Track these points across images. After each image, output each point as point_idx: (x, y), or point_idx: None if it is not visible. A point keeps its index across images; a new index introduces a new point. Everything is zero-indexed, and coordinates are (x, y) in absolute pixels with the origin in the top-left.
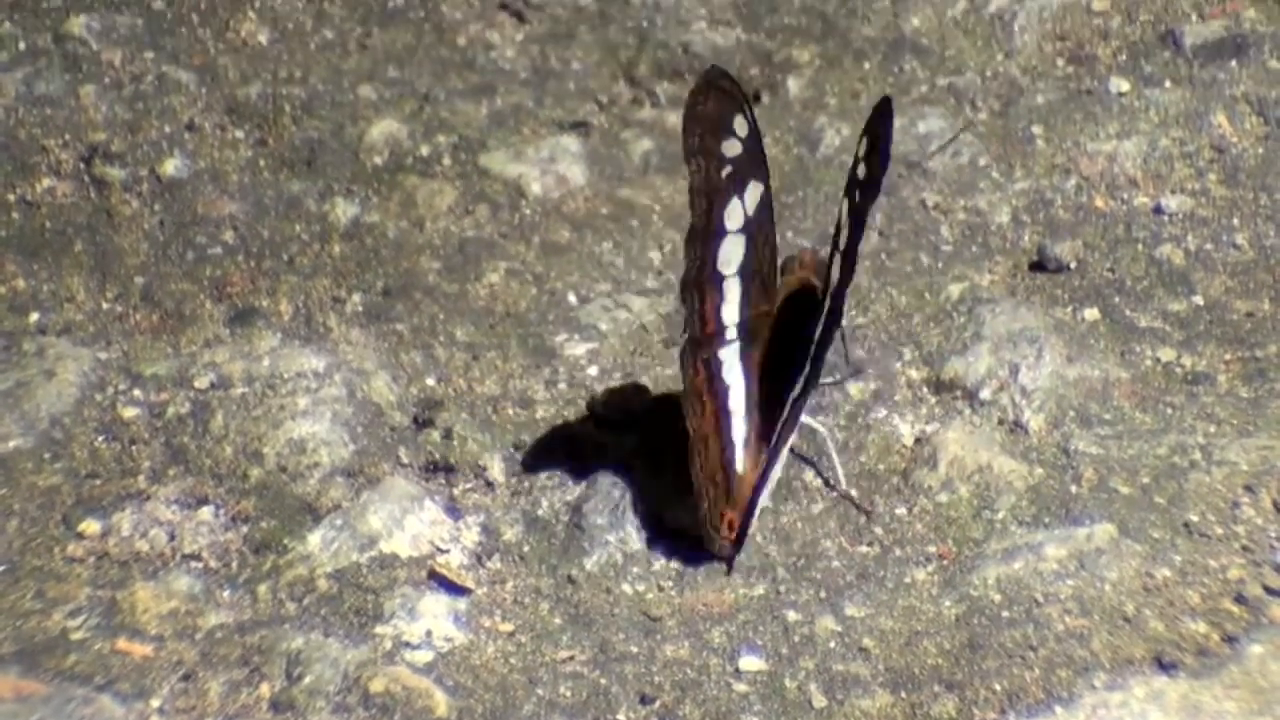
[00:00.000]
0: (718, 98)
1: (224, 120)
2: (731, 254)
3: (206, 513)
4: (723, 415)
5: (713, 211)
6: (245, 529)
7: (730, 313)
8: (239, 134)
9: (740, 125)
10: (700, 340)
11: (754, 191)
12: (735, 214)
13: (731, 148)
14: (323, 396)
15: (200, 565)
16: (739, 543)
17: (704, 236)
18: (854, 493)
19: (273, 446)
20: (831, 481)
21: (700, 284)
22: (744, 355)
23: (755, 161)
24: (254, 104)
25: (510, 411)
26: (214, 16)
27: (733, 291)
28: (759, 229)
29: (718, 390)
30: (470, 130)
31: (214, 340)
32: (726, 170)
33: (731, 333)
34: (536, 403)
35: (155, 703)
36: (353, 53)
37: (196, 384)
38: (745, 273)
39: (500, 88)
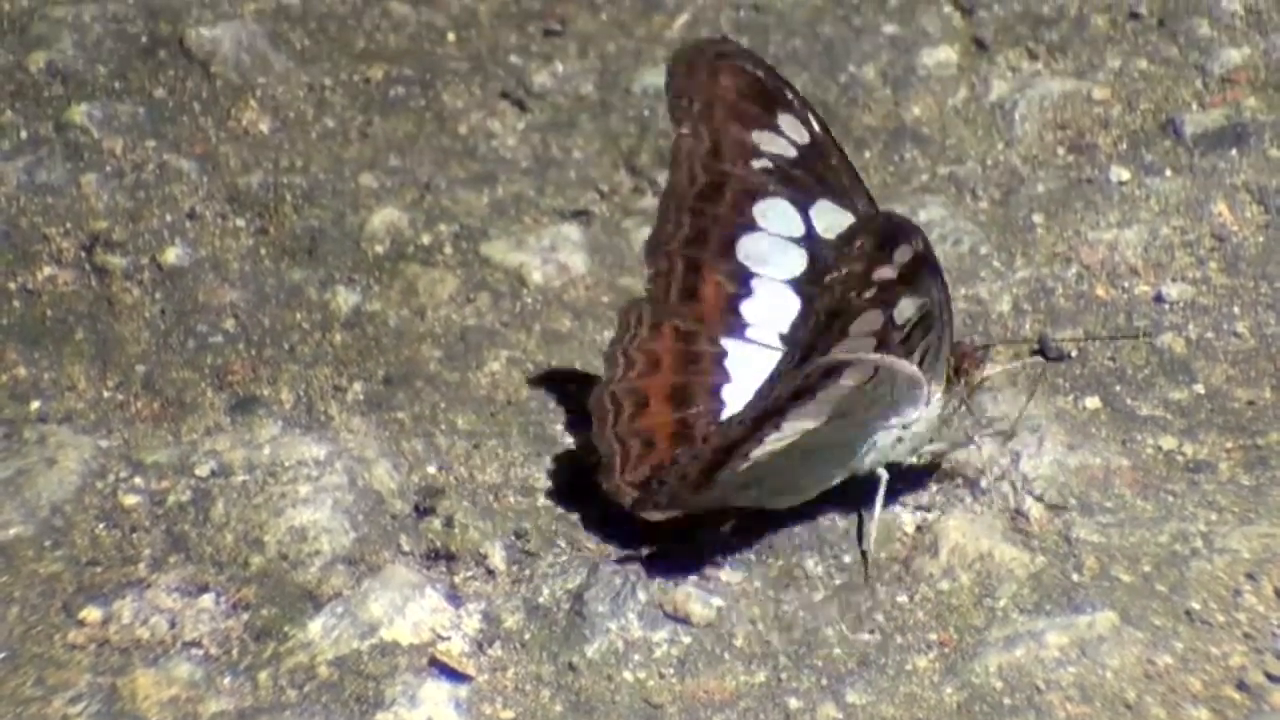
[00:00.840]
0: (737, 79)
1: (225, 209)
2: (771, 257)
3: (207, 600)
4: (702, 396)
5: (726, 195)
6: (246, 616)
7: (764, 314)
8: (240, 222)
9: (794, 130)
10: (675, 311)
11: (828, 214)
12: (784, 219)
13: (773, 144)
14: (324, 484)
15: (201, 652)
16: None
17: (696, 209)
18: (870, 555)
19: (274, 534)
20: (861, 533)
21: (694, 259)
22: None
23: (831, 185)
24: (255, 193)
25: (512, 499)
26: (215, 105)
27: (777, 298)
28: None
29: (700, 369)
30: (471, 219)
31: (215, 428)
32: (762, 164)
33: (764, 335)
34: (538, 490)
35: None
36: (354, 141)
37: (197, 472)
38: (806, 291)
39: (501, 176)
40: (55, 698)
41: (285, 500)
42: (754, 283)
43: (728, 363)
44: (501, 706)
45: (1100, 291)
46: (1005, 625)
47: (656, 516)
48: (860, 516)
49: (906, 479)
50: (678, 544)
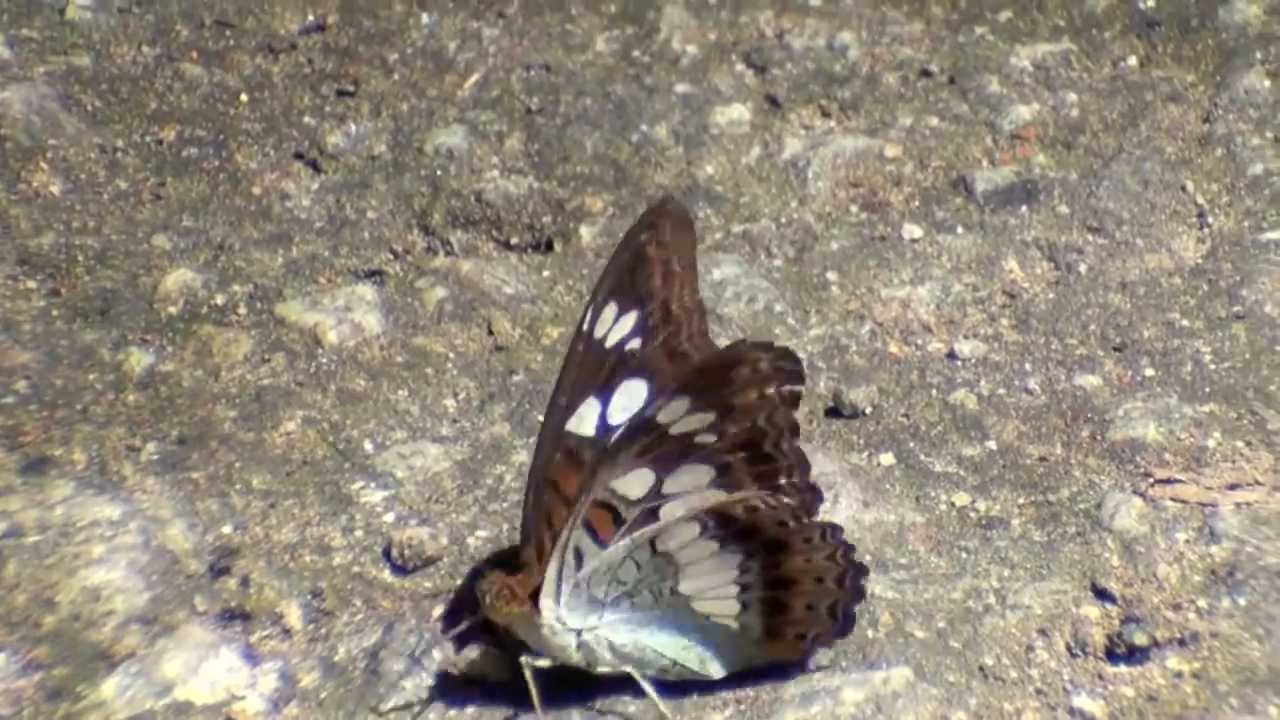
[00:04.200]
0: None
1: (16, 270)
2: None
3: None
4: None
5: None
6: (39, 676)
7: None
8: (31, 284)
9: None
10: None
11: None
12: None
13: None
14: (118, 544)
15: None
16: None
17: None
18: None
19: (66, 594)
20: None
21: None
22: None
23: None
24: (47, 254)
25: (308, 559)
26: (5, 168)
27: None
28: None
29: None
30: (266, 279)
31: (6, 489)
32: None
33: None
34: (334, 549)
35: None
36: (146, 203)
37: None
38: None
39: (296, 237)
40: None
41: (79, 560)
42: None
43: None
44: None
45: (894, 349)
46: (802, 682)
47: None
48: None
49: None
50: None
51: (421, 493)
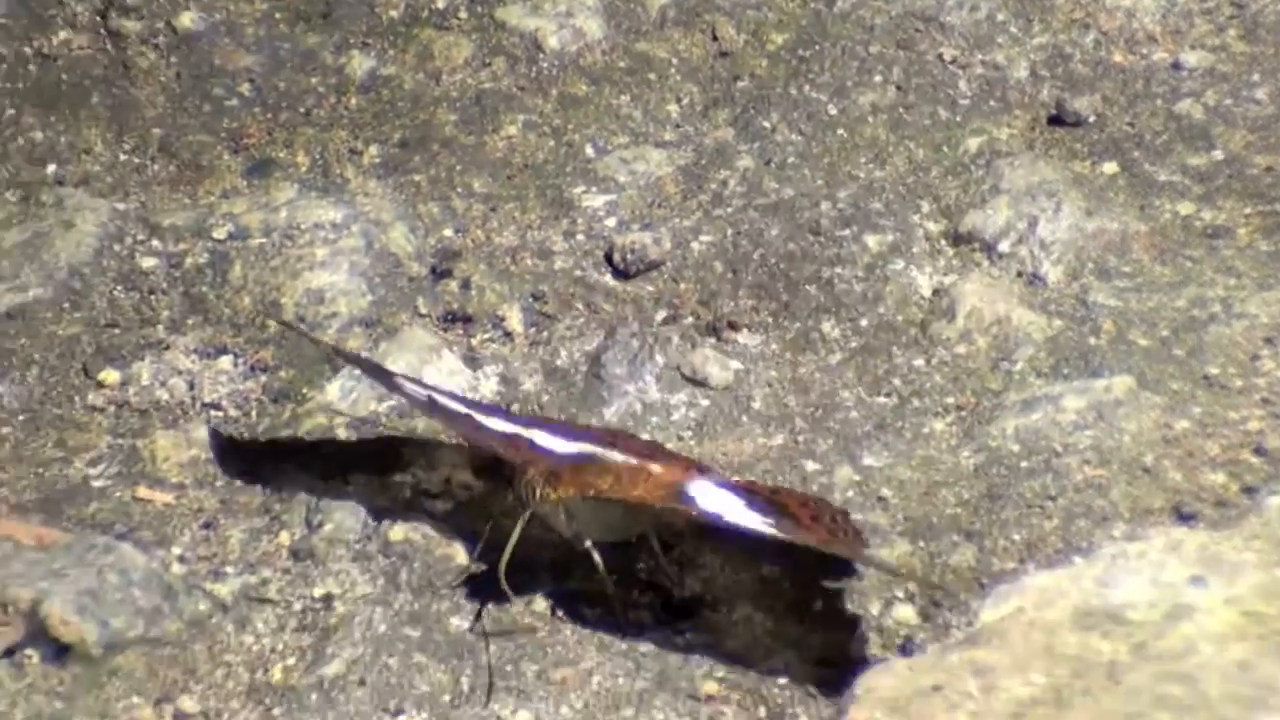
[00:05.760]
0: None
1: None
2: None
3: (226, 362)
4: None
5: None
6: (265, 378)
7: None
8: None
9: None
10: None
11: None
12: None
13: None
14: (341, 247)
15: (220, 414)
16: None
17: None
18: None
19: (291, 296)
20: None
21: None
22: None
23: None
24: None
25: (529, 262)
26: None
27: None
28: None
29: None
30: None
31: (231, 191)
32: None
33: None
34: (555, 254)
35: (176, 550)
36: None
37: (214, 234)
38: None
39: None
40: (76, 459)
41: (302, 263)
42: None
43: None
44: None
45: (1118, 58)
46: (1022, 389)
47: None
48: None
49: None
50: (696, 307)
51: (644, 197)
